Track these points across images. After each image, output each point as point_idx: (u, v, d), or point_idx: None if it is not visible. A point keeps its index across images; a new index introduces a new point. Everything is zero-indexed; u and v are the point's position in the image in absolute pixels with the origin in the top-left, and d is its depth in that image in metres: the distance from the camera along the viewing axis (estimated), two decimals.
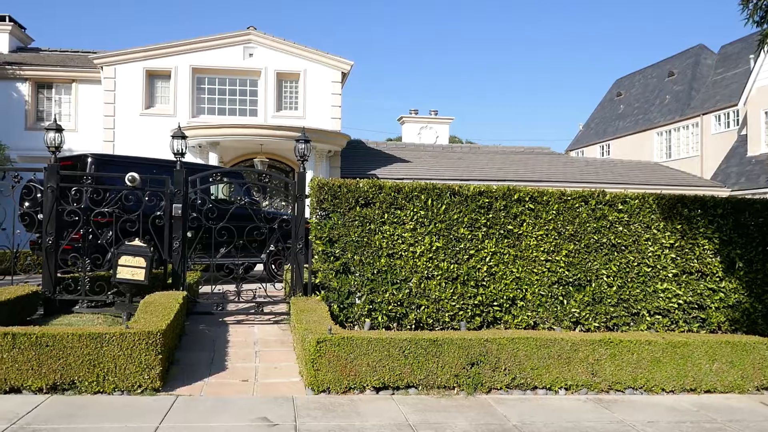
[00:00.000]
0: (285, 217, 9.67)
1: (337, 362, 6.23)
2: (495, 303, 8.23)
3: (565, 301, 8.25)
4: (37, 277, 9.52)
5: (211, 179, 9.21)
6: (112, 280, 7.96)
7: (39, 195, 9.40)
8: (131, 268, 7.90)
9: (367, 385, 6.32)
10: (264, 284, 9.28)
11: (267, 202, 16.42)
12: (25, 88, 20.80)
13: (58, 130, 8.36)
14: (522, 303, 8.25)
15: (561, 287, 8.28)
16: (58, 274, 8.47)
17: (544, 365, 6.68)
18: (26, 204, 9.89)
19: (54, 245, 8.20)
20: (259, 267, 13.53)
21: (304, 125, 18.79)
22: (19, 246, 8.80)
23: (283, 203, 18.12)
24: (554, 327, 8.21)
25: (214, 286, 9.36)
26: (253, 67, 20.62)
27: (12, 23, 22.68)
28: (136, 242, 8.05)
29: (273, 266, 12.62)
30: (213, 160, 18.76)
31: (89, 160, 10.51)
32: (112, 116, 19.87)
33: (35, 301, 8.00)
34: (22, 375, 5.79)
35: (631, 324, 8.30)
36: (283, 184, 11.13)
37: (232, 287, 9.50)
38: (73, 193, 8.54)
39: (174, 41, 20.20)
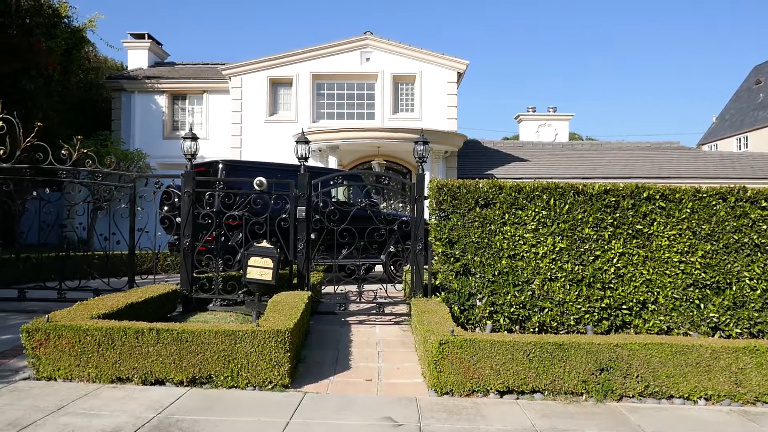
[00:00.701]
0: (404, 218, 9.73)
1: (460, 364, 6.19)
2: (624, 306, 7.86)
3: (702, 305, 7.74)
4: (176, 276, 10.20)
5: (332, 182, 9.44)
6: (243, 280, 8.36)
7: (176, 200, 10.07)
8: (260, 269, 8.26)
9: (491, 389, 6.23)
10: (384, 285, 9.40)
11: (384, 204, 16.64)
12: (162, 100, 22.39)
13: (194, 138, 8.90)
14: (653, 306, 7.82)
15: (697, 290, 7.77)
16: (194, 274, 9.01)
17: (680, 373, 6.28)
18: (165, 208, 10.63)
19: (191, 247, 8.73)
20: (378, 268, 13.76)
21: (420, 126, 18.93)
22: (159, 248, 9.48)
23: (401, 204, 18.30)
24: (690, 332, 7.73)
25: (336, 287, 9.60)
26: (370, 71, 20.99)
27: (151, 40, 24.50)
28: (264, 244, 8.41)
29: (392, 267, 12.78)
30: (332, 163, 19.28)
31: (220, 166, 11.14)
32: (239, 124, 20.95)
33: (175, 299, 8.57)
34: (165, 368, 6.20)
35: None
36: (400, 186, 11.23)
37: (352, 288, 9.71)
38: (206, 197, 9.07)
39: (295, 50, 20.97)
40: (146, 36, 24.54)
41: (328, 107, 21.31)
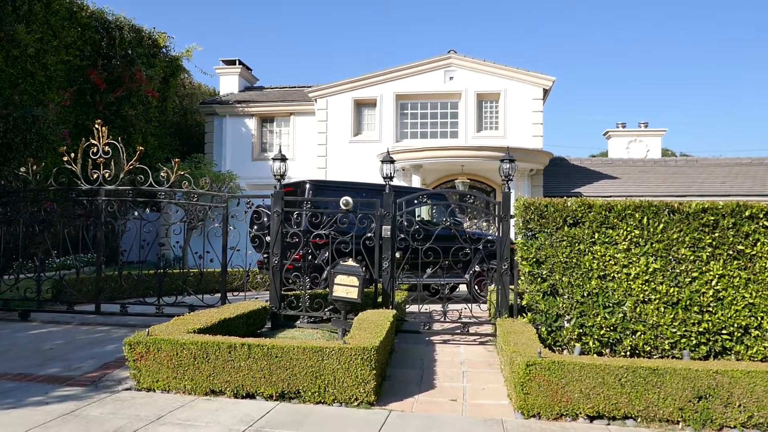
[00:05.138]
0: (489, 237, 9.65)
1: (548, 387, 6.05)
2: (723, 331, 7.47)
3: None
4: (263, 293, 10.51)
5: (416, 201, 9.51)
6: (329, 298, 8.52)
7: (266, 219, 10.41)
8: (345, 287, 8.39)
9: (580, 413, 6.05)
10: (469, 305, 9.33)
11: (468, 223, 16.55)
12: (251, 123, 23.27)
13: (283, 159, 9.19)
14: (757, 332, 7.39)
15: None
16: (282, 292, 9.26)
17: None
18: (255, 227, 11.00)
19: (279, 264, 8.99)
20: (461, 287, 13.65)
21: (504, 144, 18.77)
22: (249, 266, 9.81)
23: (484, 224, 18.16)
24: None
25: (421, 306, 9.60)
26: (454, 89, 21.04)
27: (241, 66, 25.57)
28: (350, 262, 8.54)
29: (476, 287, 12.67)
30: (416, 182, 19.38)
31: (307, 186, 11.44)
32: (324, 144, 21.45)
33: (264, 315, 8.83)
34: (255, 382, 6.39)
35: None
36: (484, 204, 11.16)
37: (436, 307, 9.68)
38: (295, 216, 9.33)
39: (378, 71, 21.31)
40: (237, 62, 25.62)
41: (411, 126, 21.48)
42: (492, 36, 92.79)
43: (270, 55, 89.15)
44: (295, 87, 26.01)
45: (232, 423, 5.67)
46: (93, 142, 9.72)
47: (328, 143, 21.48)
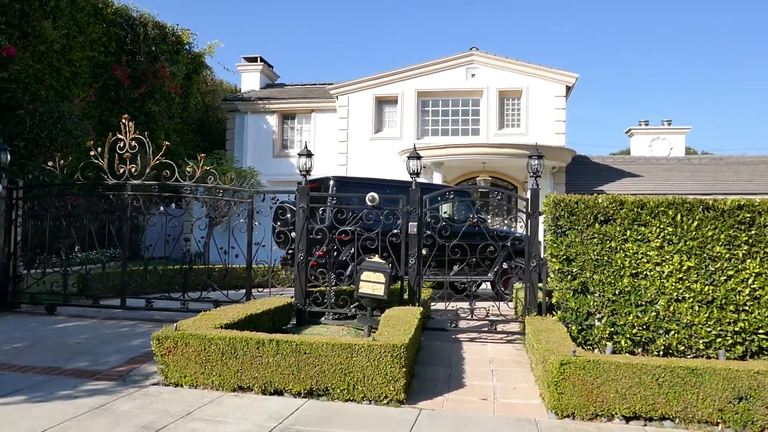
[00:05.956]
0: (517, 235, 9.52)
1: (583, 386, 5.92)
2: (760, 330, 7.29)
3: None
4: (287, 290, 10.49)
5: (442, 198, 9.40)
6: (355, 294, 8.44)
7: (289, 215, 10.36)
8: (372, 284, 8.31)
9: (616, 413, 5.92)
10: (496, 303, 9.22)
11: (490, 220, 16.41)
12: (273, 120, 23.28)
13: (309, 155, 9.13)
14: None
15: None
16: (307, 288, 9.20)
17: None
18: (278, 223, 10.96)
19: (304, 261, 8.93)
20: (483, 285, 13.52)
21: (526, 142, 18.61)
22: (274, 262, 9.76)
23: (506, 222, 18.00)
24: None
25: (447, 303, 9.49)
26: (475, 87, 20.88)
27: (263, 63, 25.60)
28: (376, 259, 8.46)
29: (501, 285, 12.53)
30: (437, 179, 19.27)
31: (331, 182, 11.37)
32: (345, 141, 21.40)
33: (289, 312, 8.78)
34: (284, 378, 6.33)
35: None
36: (513, 201, 11.02)
37: (461, 304, 9.56)
38: (320, 212, 9.27)
39: (400, 68, 21.22)
40: (258, 59, 25.65)
41: (432, 124, 21.36)
42: (511, 32, 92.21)
43: (288, 50, 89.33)
44: (315, 84, 25.98)
45: (262, 420, 5.61)
46: (119, 137, 9.73)
47: (349, 140, 21.43)
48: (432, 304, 9.89)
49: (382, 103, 21.67)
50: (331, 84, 22.49)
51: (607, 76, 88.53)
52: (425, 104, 21.35)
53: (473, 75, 20.95)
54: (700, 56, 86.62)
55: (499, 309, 9.08)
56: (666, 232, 7.58)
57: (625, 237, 7.70)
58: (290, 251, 10.13)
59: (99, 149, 9.76)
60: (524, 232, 8.99)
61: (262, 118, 23.42)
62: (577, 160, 22.53)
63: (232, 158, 22.25)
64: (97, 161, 9.77)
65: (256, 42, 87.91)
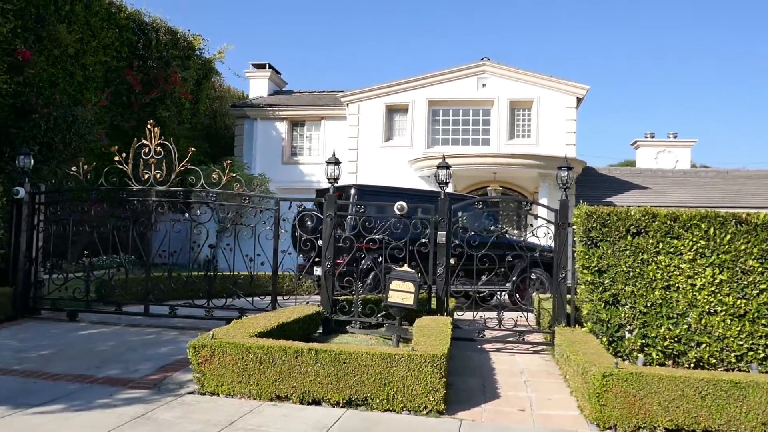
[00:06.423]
0: (546, 247, 9.54)
1: (625, 398, 5.90)
2: None
3: None
4: (308, 297, 10.44)
5: (468, 208, 9.41)
6: (384, 303, 8.42)
7: (309, 222, 10.34)
8: (401, 293, 8.29)
9: (658, 426, 5.90)
10: (525, 314, 9.22)
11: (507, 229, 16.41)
12: (282, 127, 23.27)
13: (336, 163, 9.12)
14: None
15: None
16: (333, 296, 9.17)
17: None
18: (299, 231, 10.93)
19: (332, 269, 8.91)
20: (497, 295, 13.51)
21: (537, 152, 18.67)
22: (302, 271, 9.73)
23: (515, 231, 18.03)
24: None
25: (475, 313, 9.47)
26: (486, 97, 20.93)
27: (271, 70, 25.59)
28: (405, 268, 8.45)
29: (517, 296, 12.53)
30: (447, 188, 19.23)
31: (352, 191, 11.37)
32: (355, 149, 21.40)
33: (317, 320, 8.75)
34: (322, 388, 6.29)
35: None
36: (524, 211, 11.03)
37: (486, 314, 9.54)
38: (347, 220, 9.25)
39: (411, 77, 21.25)
40: (267, 66, 25.64)
41: (443, 133, 21.39)
42: (519, 44, 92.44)
43: (295, 57, 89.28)
44: (324, 92, 25.98)
45: (304, 429, 5.57)
46: (144, 142, 9.70)
47: (359, 148, 21.43)
48: (459, 314, 9.88)
49: (392, 111, 21.69)
50: (341, 92, 22.52)
51: (615, 89, 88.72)
52: (436, 113, 21.39)
53: (484, 85, 21.01)
54: (713, 67, 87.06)
55: (527, 320, 9.08)
56: (699, 245, 7.59)
57: (657, 249, 7.71)
58: (317, 259, 10.06)
59: (124, 155, 9.72)
60: (547, 243, 8.99)
61: (271, 124, 23.41)
62: (585, 171, 22.59)
63: (242, 165, 22.21)
64: (121, 166, 9.74)
65: (262, 47, 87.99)
